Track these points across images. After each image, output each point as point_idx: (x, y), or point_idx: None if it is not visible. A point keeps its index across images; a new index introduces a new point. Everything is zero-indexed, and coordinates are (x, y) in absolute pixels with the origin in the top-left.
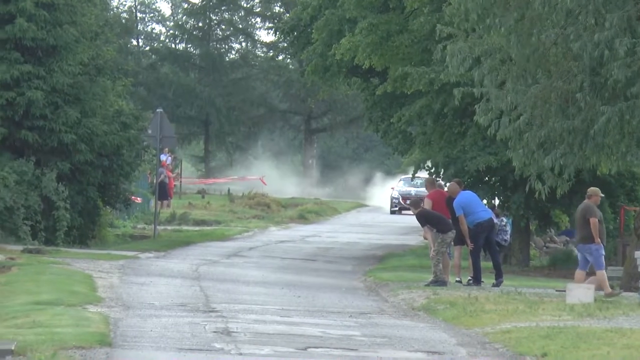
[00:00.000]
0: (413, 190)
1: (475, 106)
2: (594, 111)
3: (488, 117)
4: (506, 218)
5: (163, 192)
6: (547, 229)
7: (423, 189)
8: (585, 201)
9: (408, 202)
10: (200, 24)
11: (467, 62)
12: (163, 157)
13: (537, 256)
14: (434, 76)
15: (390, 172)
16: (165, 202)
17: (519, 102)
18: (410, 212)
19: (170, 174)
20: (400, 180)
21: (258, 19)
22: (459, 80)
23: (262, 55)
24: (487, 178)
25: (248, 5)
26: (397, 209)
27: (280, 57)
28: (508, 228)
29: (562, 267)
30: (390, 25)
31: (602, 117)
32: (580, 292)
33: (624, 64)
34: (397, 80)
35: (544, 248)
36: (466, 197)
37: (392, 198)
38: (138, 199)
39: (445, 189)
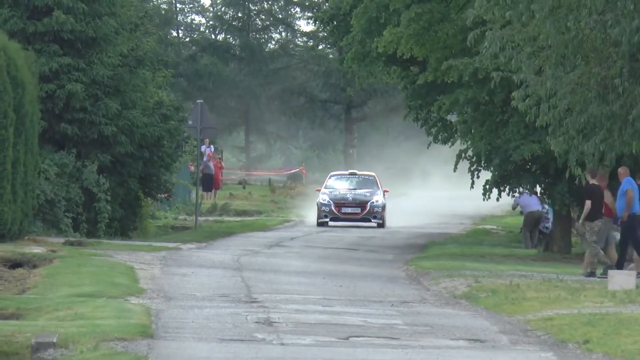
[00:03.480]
0: (350, 194)
1: (514, 92)
2: (633, 96)
3: (526, 104)
4: (548, 206)
5: (209, 183)
6: None
7: (364, 190)
8: None
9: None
10: (239, 15)
11: (507, 51)
12: (203, 148)
13: (579, 243)
14: (478, 66)
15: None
16: (210, 193)
17: (557, 88)
18: (347, 222)
19: (218, 164)
20: (330, 177)
21: (297, 9)
22: (501, 68)
23: (302, 44)
24: (528, 166)
25: None
26: (327, 219)
27: (320, 47)
28: (550, 216)
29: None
30: (433, 14)
31: None
32: (621, 278)
33: None
34: (438, 70)
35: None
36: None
37: (321, 204)
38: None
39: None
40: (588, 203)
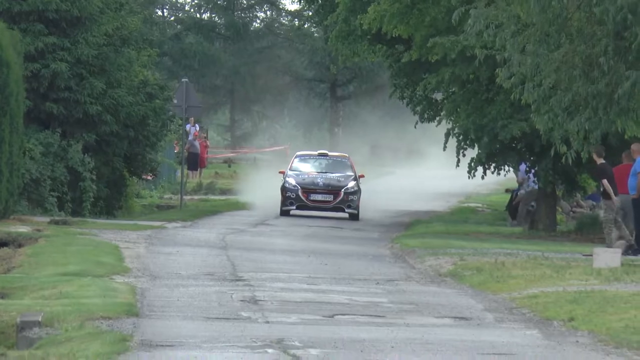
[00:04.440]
0: (321, 178)
1: (497, 70)
2: (618, 75)
3: (511, 82)
4: (533, 183)
5: (194, 162)
6: (574, 193)
7: (337, 174)
8: None
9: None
10: None
11: (492, 29)
12: (188, 127)
13: (564, 221)
14: (465, 44)
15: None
16: (196, 172)
17: (541, 66)
18: (315, 211)
19: (204, 143)
20: (296, 157)
21: None
22: (486, 46)
23: (287, 23)
24: (514, 144)
25: None
26: (292, 207)
27: (305, 26)
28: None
29: (588, 231)
30: None
31: (627, 81)
32: (607, 256)
33: None
34: (422, 48)
35: (571, 213)
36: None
37: (286, 189)
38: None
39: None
40: (605, 182)
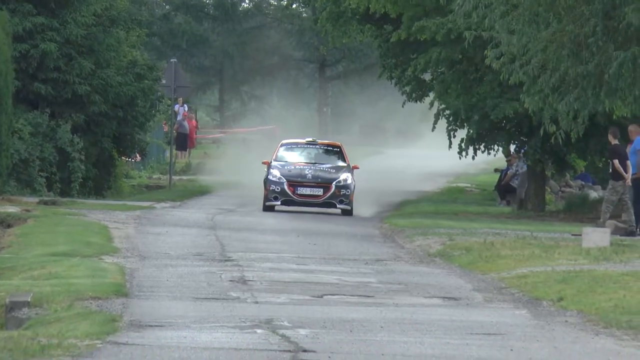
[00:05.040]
0: (309, 170)
1: (487, 50)
2: (607, 55)
3: (500, 62)
4: (523, 163)
5: (183, 142)
6: (563, 173)
7: (328, 166)
8: None
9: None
10: None
11: (481, 9)
12: (176, 107)
13: (553, 201)
14: (451, 26)
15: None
16: (184, 152)
17: (529, 46)
18: (303, 207)
19: (194, 123)
20: (282, 146)
21: None
22: (473, 27)
23: (275, 3)
24: (503, 124)
25: None
26: (276, 202)
27: (294, 6)
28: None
29: (577, 211)
30: None
31: (616, 61)
32: (596, 236)
33: (637, 7)
34: (411, 28)
35: (560, 193)
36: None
37: (270, 182)
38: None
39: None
40: (616, 162)
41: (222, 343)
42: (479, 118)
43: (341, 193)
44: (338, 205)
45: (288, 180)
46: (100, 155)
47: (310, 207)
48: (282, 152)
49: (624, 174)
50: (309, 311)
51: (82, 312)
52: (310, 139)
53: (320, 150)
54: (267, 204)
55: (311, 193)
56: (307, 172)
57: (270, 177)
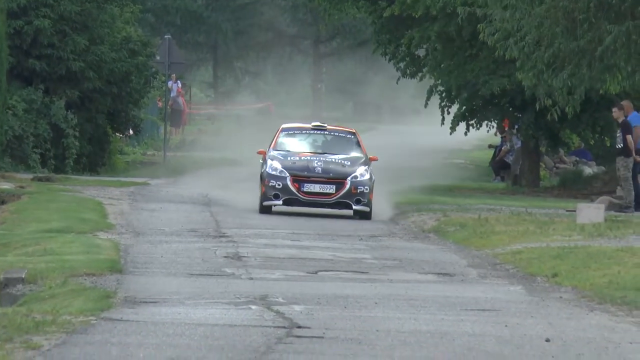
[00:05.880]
0: (318, 161)
1: (479, 25)
2: (601, 31)
3: (495, 38)
4: (516, 138)
5: (177, 118)
6: (557, 149)
7: (341, 156)
8: None
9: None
10: None
11: None
12: (170, 84)
13: (547, 177)
14: (446, 0)
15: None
16: (179, 129)
17: (523, 22)
18: (312, 207)
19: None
20: (283, 132)
21: None
22: (468, 2)
23: None
24: (496, 100)
25: None
26: (277, 201)
27: None
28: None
29: (572, 187)
30: None
31: (609, 36)
32: (590, 212)
33: None
34: (404, 3)
35: (554, 169)
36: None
37: (269, 176)
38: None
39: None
40: (629, 138)
41: (216, 319)
42: (468, 95)
43: (358, 191)
44: (354, 206)
45: (292, 175)
46: (94, 132)
47: (319, 207)
48: (282, 139)
49: (633, 151)
50: (304, 287)
51: (76, 288)
52: (318, 123)
53: (330, 137)
54: (265, 203)
55: (321, 191)
56: (315, 165)
57: (268, 170)
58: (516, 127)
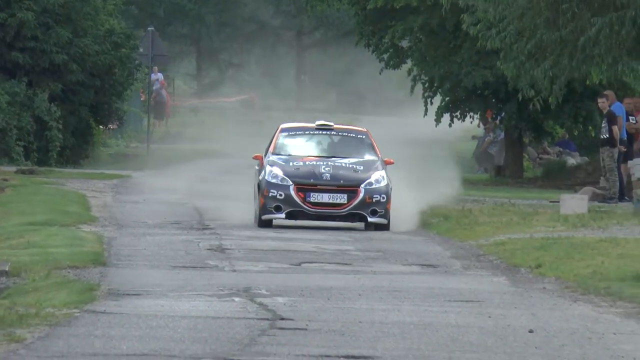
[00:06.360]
0: (326, 166)
1: (462, 15)
2: (583, 22)
3: (477, 28)
4: (499, 129)
5: (161, 110)
6: (541, 140)
7: (352, 160)
8: None
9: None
10: None
11: None
12: (153, 77)
13: (531, 168)
14: None
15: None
16: (162, 121)
17: (506, 13)
18: (320, 220)
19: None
20: (283, 132)
21: None
22: None
23: None
24: (479, 92)
25: None
26: (279, 214)
27: None
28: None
29: (555, 178)
30: None
31: (593, 28)
32: (574, 202)
33: None
34: None
35: (537, 159)
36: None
37: (268, 185)
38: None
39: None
40: (614, 128)
41: (200, 311)
42: (450, 86)
43: (373, 200)
44: (370, 218)
45: (296, 183)
46: (77, 124)
47: (328, 221)
48: (282, 141)
49: (617, 142)
50: (287, 279)
51: (60, 281)
52: (323, 122)
53: (338, 138)
54: (265, 217)
55: (330, 201)
56: (323, 170)
57: (267, 177)
58: (499, 118)
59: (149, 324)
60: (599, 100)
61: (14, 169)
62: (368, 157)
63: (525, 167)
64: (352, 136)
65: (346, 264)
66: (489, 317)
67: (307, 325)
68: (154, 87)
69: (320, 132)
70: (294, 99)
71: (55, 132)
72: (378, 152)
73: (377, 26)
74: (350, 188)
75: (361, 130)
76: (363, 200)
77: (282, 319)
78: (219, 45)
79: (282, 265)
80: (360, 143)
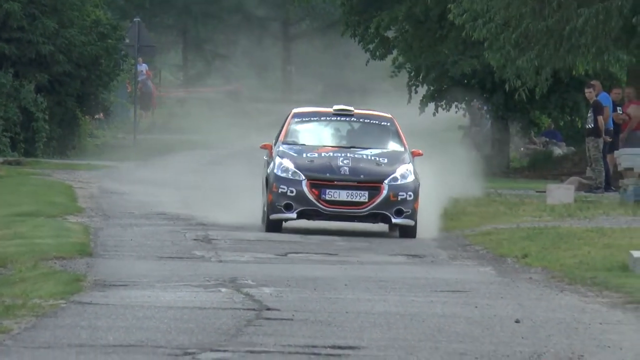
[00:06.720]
0: (344, 158)
1: (448, 5)
2: (569, 11)
3: (463, 18)
4: (486, 120)
5: (147, 101)
6: (528, 130)
7: (374, 151)
8: None
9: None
10: None
11: None
12: (140, 67)
13: (517, 158)
14: None
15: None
16: (148, 112)
17: (492, 3)
18: (337, 221)
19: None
20: (295, 118)
21: None
22: None
23: None
24: (465, 81)
25: None
26: (289, 213)
27: None
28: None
29: (542, 168)
30: None
31: (580, 18)
32: (560, 192)
33: None
34: None
35: (524, 149)
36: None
37: (277, 180)
38: None
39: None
40: (600, 119)
41: (186, 302)
42: (436, 75)
43: (399, 198)
44: (394, 219)
45: (309, 177)
46: (64, 115)
47: (346, 221)
48: (294, 128)
49: (603, 132)
50: (273, 269)
51: (46, 272)
52: (342, 107)
53: (359, 126)
54: (273, 217)
55: (349, 199)
56: (341, 163)
57: (277, 170)
58: (485, 108)
59: (136, 315)
60: (586, 90)
61: (0, 160)
62: (393, 147)
63: (511, 157)
64: (375, 123)
65: (332, 254)
66: (476, 307)
67: (293, 315)
68: (139, 78)
69: (338, 118)
70: (281, 90)
71: (41, 123)
72: (405, 143)
73: (363, 16)
74: (372, 184)
75: (386, 117)
76: (387, 199)
77: (269, 309)
78: (205, 36)
79: (268, 255)
80: (385, 131)
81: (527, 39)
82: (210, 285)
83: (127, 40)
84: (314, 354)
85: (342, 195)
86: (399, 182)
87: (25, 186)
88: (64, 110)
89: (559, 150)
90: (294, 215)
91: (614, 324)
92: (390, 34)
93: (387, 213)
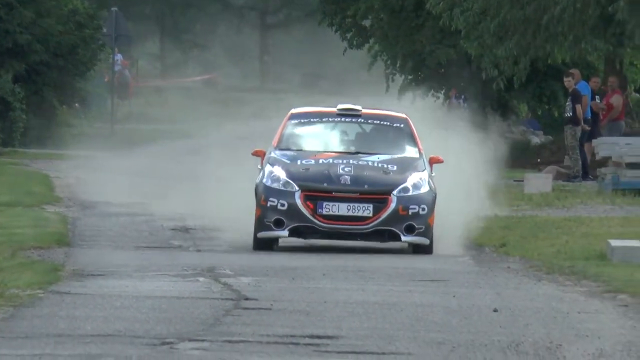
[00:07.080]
0: (346, 166)
1: None
2: (547, 0)
3: (440, 7)
4: (463, 108)
5: (124, 91)
6: (506, 119)
7: (382, 157)
8: None
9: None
10: None
11: None
12: (115, 57)
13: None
14: None
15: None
16: (125, 102)
17: None
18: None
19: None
20: (292, 119)
21: None
22: None
23: None
24: (443, 70)
25: None
26: (282, 230)
27: None
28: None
29: (519, 157)
30: None
31: (558, 7)
32: (538, 181)
33: None
34: None
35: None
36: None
37: (267, 191)
38: None
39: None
40: (578, 107)
41: (164, 291)
42: (413, 64)
43: (410, 212)
44: (404, 237)
45: (303, 189)
46: (41, 104)
47: (347, 239)
48: (291, 132)
49: (581, 121)
50: (251, 259)
51: (24, 261)
52: (348, 105)
53: (368, 128)
54: (261, 235)
55: (350, 213)
56: (341, 171)
57: (266, 181)
58: (463, 97)
59: (114, 305)
60: (565, 79)
61: None
62: (405, 152)
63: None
64: (386, 124)
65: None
66: (454, 296)
67: (271, 305)
68: (115, 68)
69: (343, 119)
70: (258, 79)
71: (19, 112)
72: (420, 147)
73: (340, 5)
74: (377, 195)
75: (399, 117)
76: (395, 213)
77: (247, 299)
78: (183, 26)
79: (246, 245)
80: (397, 134)
81: (505, 28)
82: (189, 275)
83: (105, 30)
84: (293, 343)
85: (342, 209)
86: (410, 193)
87: (3, 176)
88: (41, 100)
89: (536, 139)
90: (286, 232)
91: (592, 312)
92: (367, 22)
93: (395, 230)
